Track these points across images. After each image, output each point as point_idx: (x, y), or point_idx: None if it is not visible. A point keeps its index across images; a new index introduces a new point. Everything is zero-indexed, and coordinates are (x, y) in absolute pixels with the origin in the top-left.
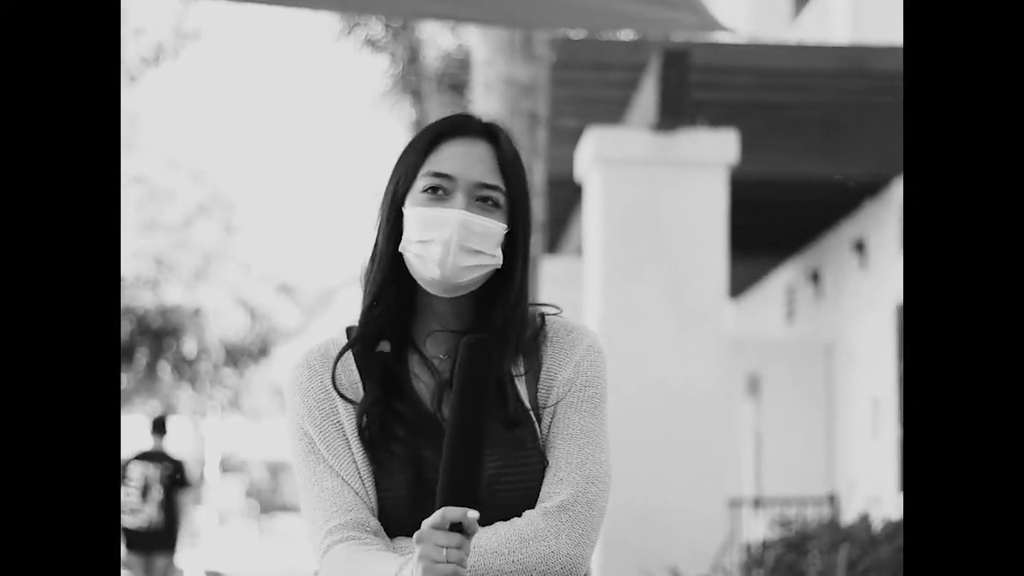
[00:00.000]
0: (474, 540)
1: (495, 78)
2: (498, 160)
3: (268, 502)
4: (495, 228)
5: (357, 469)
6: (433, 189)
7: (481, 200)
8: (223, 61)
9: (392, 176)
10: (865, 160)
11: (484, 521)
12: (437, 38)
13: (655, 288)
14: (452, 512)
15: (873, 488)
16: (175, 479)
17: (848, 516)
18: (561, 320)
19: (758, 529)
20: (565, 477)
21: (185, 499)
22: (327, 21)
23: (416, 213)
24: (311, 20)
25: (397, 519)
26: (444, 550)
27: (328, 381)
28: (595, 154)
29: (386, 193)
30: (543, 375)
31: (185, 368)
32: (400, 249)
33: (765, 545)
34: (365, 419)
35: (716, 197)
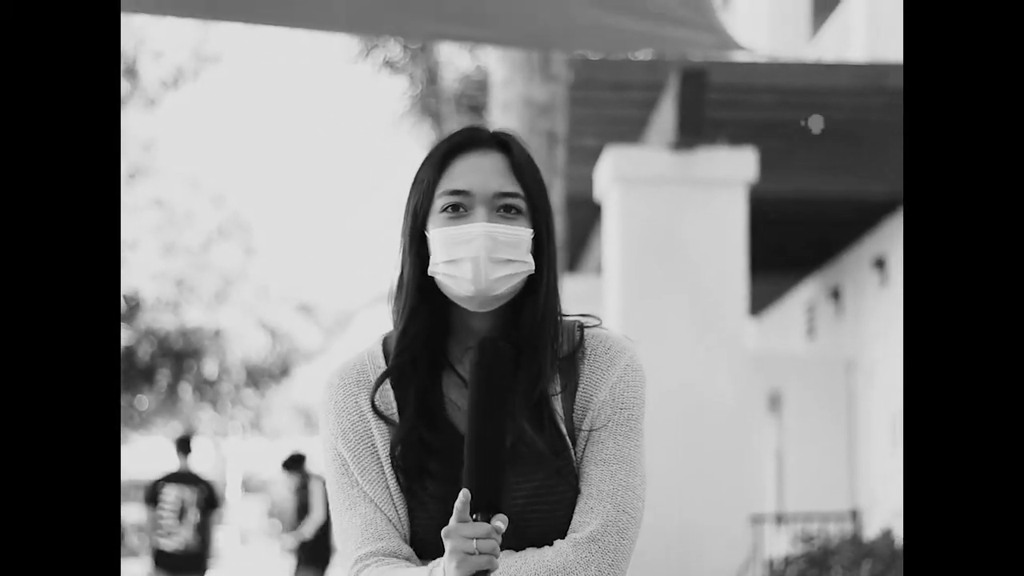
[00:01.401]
0: (501, 570)
1: (513, 98)
2: (512, 167)
3: (290, 522)
4: (522, 234)
5: (390, 495)
6: (453, 207)
7: (503, 209)
8: (242, 84)
9: (409, 200)
10: (884, 177)
11: (515, 549)
12: (455, 59)
13: (675, 306)
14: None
15: (895, 503)
16: (209, 501)
17: (870, 531)
18: (601, 333)
19: (781, 545)
20: (595, 507)
21: (215, 521)
22: (345, 43)
23: (440, 234)
24: (329, 42)
25: (429, 551)
26: (474, 541)
27: (363, 402)
28: (614, 173)
29: (405, 218)
30: (579, 395)
31: (206, 389)
32: (430, 272)
33: (787, 561)
34: (399, 449)
35: (735, 215)
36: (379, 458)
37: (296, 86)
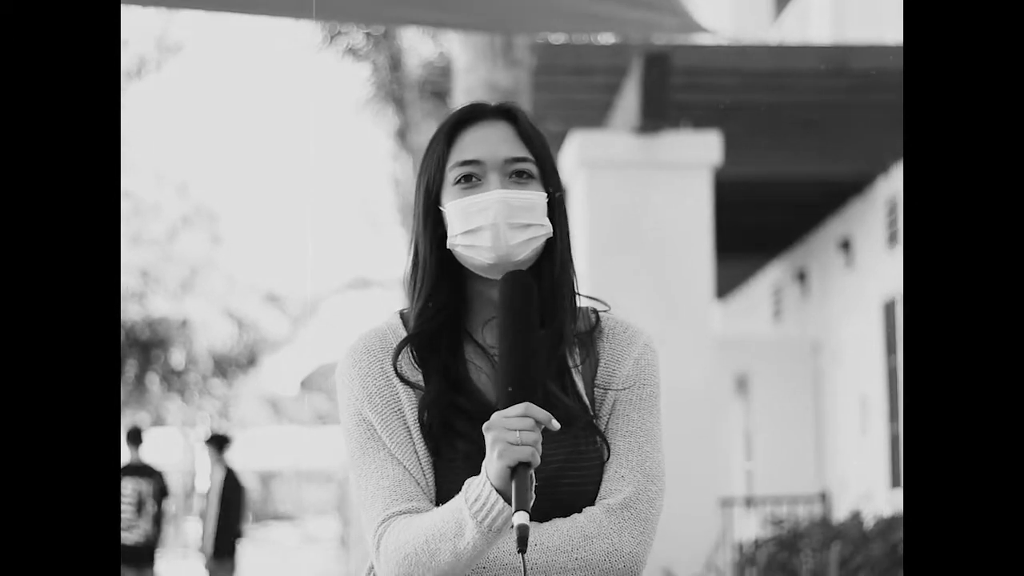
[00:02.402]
0: (536, 536)
1: (477, 84)
2: (519, 133)
3: (259, 512)
4: (536, 198)
5: (418, 458)
6: (466, 178)
7: (516, 175)
8: (205, 73)
9: (421, 177)
10: (849, 159)
11: (544, 516)
12: (418, 46)
13: (642, 290)
14: (529, 407)
15: (863, 485)
16: (162, 491)
17: (839, 514)
18: (616, 317)
19: (750, 528)
20: (626, 475)
21: (168, 511)
22: (309, 31)
23: (455, 206)
24: (293, 30)
25: None
26: (517, 432)
27: (388, 368)
28: (579, 158)
29: (418, 194)
30: (600, 370)
31: (174, 379)
32: (448, 246)
33: (757, 544)
34: (427, 414)
35: (701, 198)
36: (406, 423)
37: (260, 74)
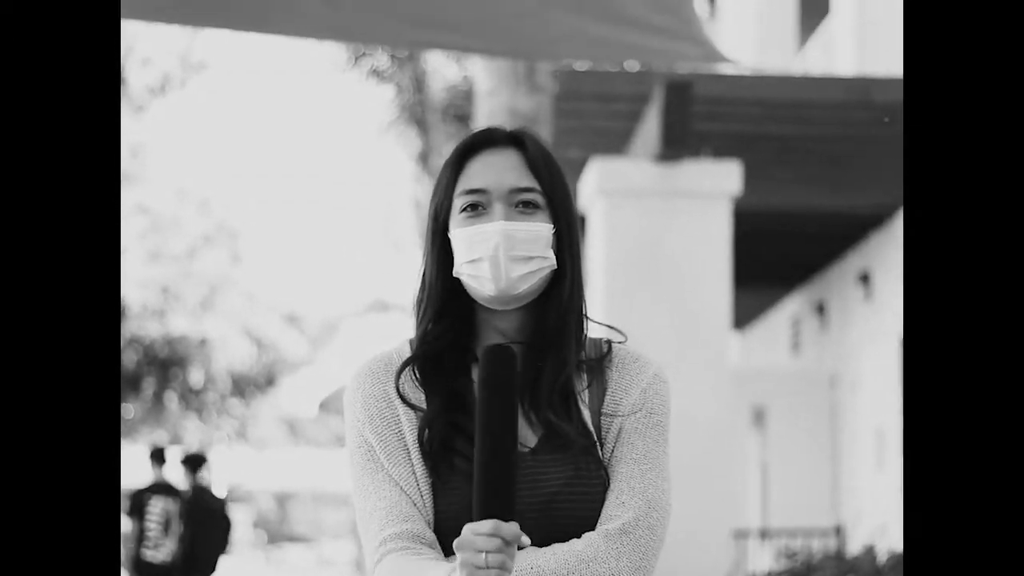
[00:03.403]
0: (533, 560)
1: (499, 109)
2: (527, 162)
3: (275, 532)
4: (541, 229)
5: (416, 480)
6: (472, 207)
7: (521, 205)
8: (229, 91)
9: (431, 203)
10: (870, 192)
11: (543, 541)
12: (442, 69)
13: (659, 319)
14: (498, 526)
15: (878, 519)
16: (191, 512)
17: (853, 547)
18: (628, 348)
19: (764, 560)
20: (627, 501)
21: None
22: (333, 52)
23: (459, 235)
24: (317, 51)
25: (456, 534)
26: (484, 556)
27: (391, 390)
28: (598, 185)
29: (428, 220)
30: (608, 398)
31: (192, 398)
32: (455, 274)
33: None
34: (427, 432)
35: (720, 228)
36: (406, 444)
37: (283, 94)
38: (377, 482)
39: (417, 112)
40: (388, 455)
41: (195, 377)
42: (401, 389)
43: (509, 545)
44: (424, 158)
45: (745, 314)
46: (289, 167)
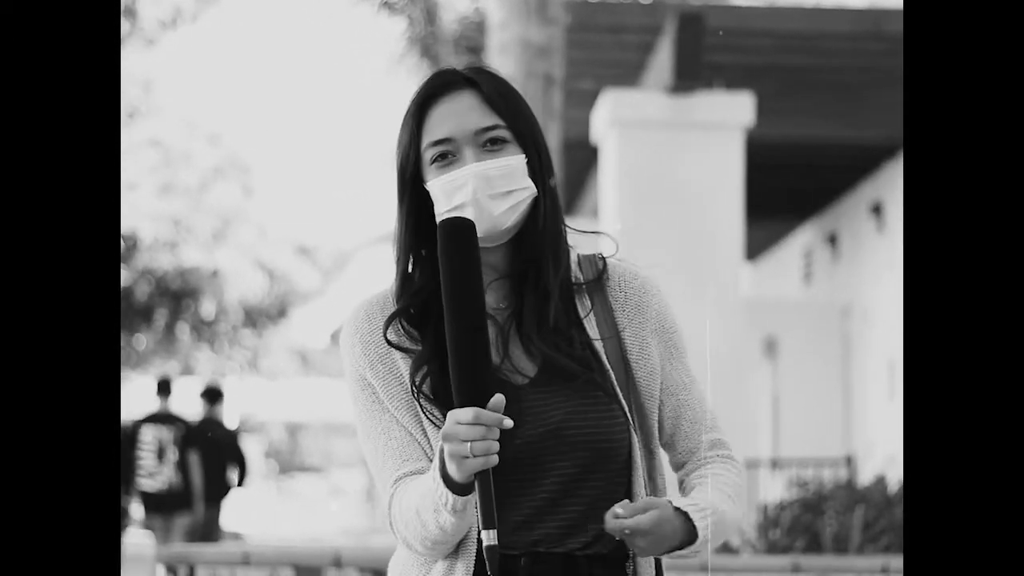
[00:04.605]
0: (704, 500)
1: (510, 41)
2: (486, 100)
3: (287, 463)
4: (514, 162)
5: (420, 421)
6: (441, 156)
7: (489, 143)
8: (241, 24)
9: (398, 156)
10: (882, 123)
11: (556, 461)
12: (453, 1)
13: (671, 250)
14: (479, 414)
15: (889, 449)
16: (187, 439)
17: (864, 477)
18: (624, 263)
19: (775, 490)
20: (710, 423)
21: (195, 458)
22: None
23: (436, 185)
24: None
25: None
26: (468, 445)
27: (390, 333)
28: (611, 116)
29: (398, 172)
30: (620, 317)
31: (204, 330)
32: (439, 222)
33: (782, 506)
34: (420, 374)
35: (732, 159)
36: (406, 387)
37: (294, 26)
38: (384, 423)
39: (428, 45)
40: (391, 398)
41: (207, 309)
42: (393, 336)
43: (491, 429)
44: None
45: (757, 245)
46: (301, 99)
